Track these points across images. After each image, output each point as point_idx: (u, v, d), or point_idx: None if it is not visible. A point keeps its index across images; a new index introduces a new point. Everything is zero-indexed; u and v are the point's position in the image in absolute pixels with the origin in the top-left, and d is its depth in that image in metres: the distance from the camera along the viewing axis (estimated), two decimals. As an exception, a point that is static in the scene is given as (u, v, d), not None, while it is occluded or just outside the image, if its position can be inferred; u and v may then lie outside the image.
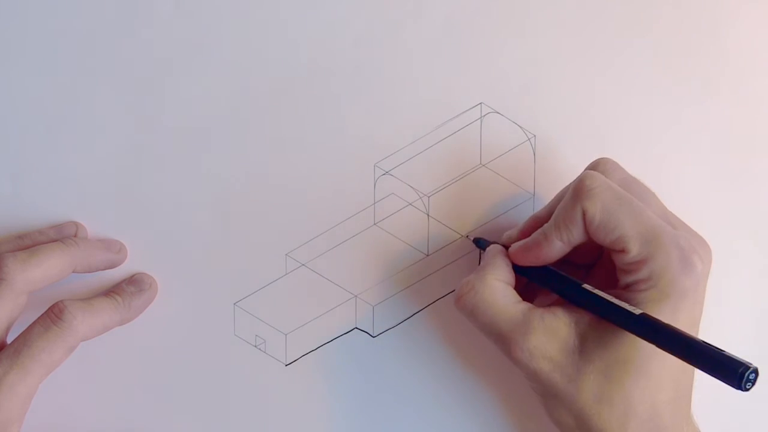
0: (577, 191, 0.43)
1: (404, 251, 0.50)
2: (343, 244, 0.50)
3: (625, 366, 0.42)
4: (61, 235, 0.49)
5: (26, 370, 0.44)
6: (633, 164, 0.50)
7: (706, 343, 0.39)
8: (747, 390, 0.36)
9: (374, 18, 0.49)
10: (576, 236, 0.44)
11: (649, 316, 0.41)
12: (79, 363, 0.50)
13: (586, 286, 0.44)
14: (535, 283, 0.46)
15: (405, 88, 0.50)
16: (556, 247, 0.44)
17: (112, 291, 0.49)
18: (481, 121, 0.50)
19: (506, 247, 0.47)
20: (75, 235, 0.49)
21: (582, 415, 0.43)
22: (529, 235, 0.45)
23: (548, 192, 0.50)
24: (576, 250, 0.45)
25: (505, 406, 0.50)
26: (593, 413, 0.42)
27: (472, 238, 0.50)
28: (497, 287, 0.45)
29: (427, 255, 0.50)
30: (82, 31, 0.49)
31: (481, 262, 0.47)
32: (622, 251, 0.42)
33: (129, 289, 0.49)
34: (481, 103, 0.50)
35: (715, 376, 0.37)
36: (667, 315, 0.41)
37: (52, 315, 0.45)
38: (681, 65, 0.50)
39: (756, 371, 0.36)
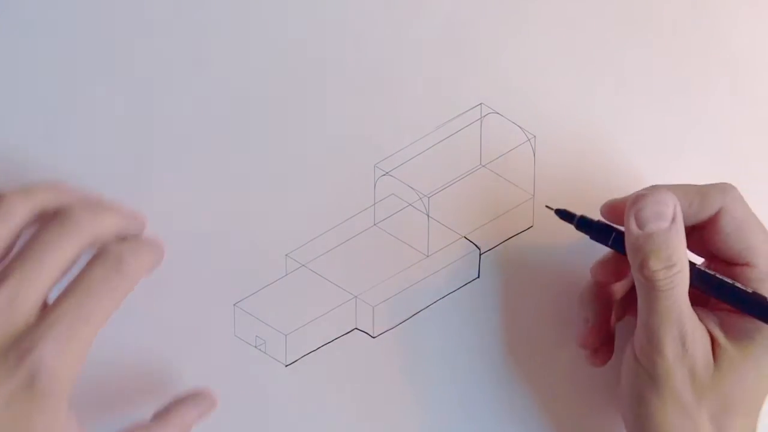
0: (720, 189, 0.43)
1: (404, 251, 0.50)
2: (343, 244, 0.50)
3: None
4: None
5: (89, 320, 0.41)
6: (633, 164, 0.50)
7: None
8: None
9: (374, 18, 0.49)
10: (704, 214, 0.43)
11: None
12: (79, 363, 0.50)
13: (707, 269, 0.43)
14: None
15: (405, 88, 0.50)
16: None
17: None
18: (481, 121, 0.50)
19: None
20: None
21: None
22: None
23: (548, 192, 0.50)
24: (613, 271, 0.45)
25: (505, 406, 0.50)
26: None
27: (556, 209, 0.47)
28: None
29: (427, 255, 0.50)
30: (82, 30, 0.49)
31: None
32: (746, 265, 0.42)
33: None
34: (481, 103, 0.50)
35: None
36: None
37: (109, 261, 0.42)
38: (681, 65, 0.50)
39: None
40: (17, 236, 0.43)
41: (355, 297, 0.50)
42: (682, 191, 0.43)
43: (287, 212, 0.50)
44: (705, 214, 0.43)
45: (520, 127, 0.50)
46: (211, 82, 0.49)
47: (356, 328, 0.50)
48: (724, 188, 0.43)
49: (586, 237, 0.49)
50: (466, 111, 0.50)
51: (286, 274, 0.50)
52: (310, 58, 0.50)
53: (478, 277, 0.50)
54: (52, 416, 0.40)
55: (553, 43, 0.50)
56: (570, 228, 0.50)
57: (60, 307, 0.41)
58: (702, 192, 0.43)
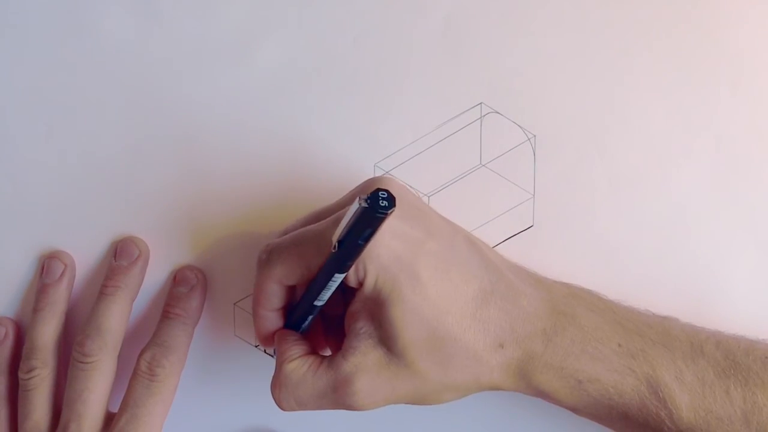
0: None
1: (404, 251, 0.50)
2: (343, 244, 0.50)
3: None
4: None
5: (147, 426, 0.47)
6: (632, 164, 0.50)
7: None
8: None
9: (374, 18, 0.50)
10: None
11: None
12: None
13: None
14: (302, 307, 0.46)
15: (405, 88, 0.50)
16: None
17: (168, 306, 0.49)
18: (481, 121, 0.50)
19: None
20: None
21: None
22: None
23: (548, 192, 0.50)
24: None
25: (504, 406, 0.50)
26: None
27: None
28: (296, 371, 0.45)
29: (427, 255, 0.50)
30: (83, 30, 0.50)
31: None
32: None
33: (180, 291, 0.49)
34: (481, 103, 0.50)
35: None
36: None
37: (148, 374, 0.47)
38: (681, 65, 0.50)
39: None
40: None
41: (355, 297, 0.50)
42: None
43: (287, 212, 0.50)
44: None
45: (520, 127, 0.50)
46: (211, 81, 0.49)
47: (356, 328, 0.50)
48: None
49: (586, 237, 0.50)
50: (466, 111, 0.50)
51: (286, 274, 0.50)
52: (311, 58, 0.50)
53: (478, 276, 0.50)
54: None
55: (552, 43, 0.50)
56: (570, 228, 0.50)
57: (117, 423, 0.47)
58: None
